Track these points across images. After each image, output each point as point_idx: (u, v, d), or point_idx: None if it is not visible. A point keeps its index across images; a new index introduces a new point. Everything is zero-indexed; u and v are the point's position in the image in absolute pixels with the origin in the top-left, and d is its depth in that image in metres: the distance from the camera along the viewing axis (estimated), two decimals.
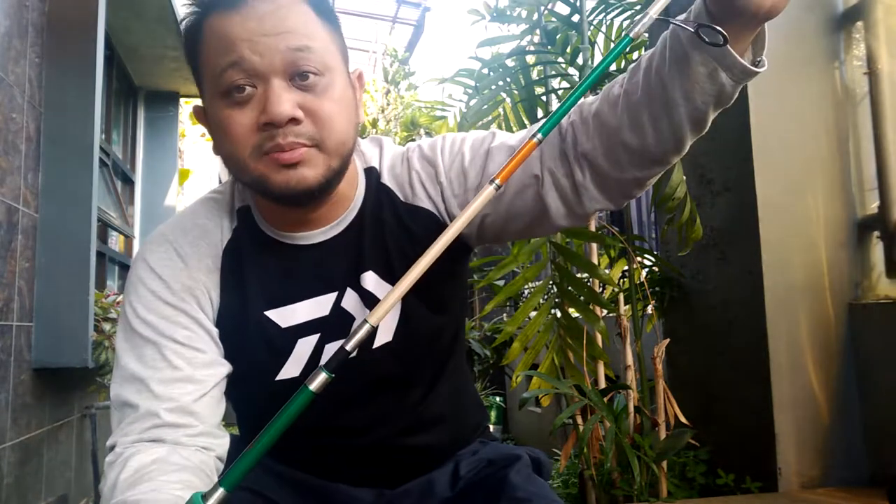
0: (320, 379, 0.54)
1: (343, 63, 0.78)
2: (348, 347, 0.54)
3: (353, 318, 0.82)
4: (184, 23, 0.77)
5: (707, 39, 0.61)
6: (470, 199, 0.80)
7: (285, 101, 0.70)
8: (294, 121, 0.71)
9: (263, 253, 0.82)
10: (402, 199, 0.84)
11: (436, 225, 0.83)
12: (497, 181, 0.57)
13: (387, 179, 0.85)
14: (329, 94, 0.73)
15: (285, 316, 0.81)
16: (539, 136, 0.58)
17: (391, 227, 0.83)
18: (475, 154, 0.82)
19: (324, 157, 0.74)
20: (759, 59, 0.67)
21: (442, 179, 0.82)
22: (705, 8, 0.63)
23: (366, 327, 0.54)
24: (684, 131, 0.70)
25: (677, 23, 0.63)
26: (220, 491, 0.52)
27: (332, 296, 0.82)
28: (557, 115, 0.62)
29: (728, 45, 0.62)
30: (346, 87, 0.77)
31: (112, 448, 0.73)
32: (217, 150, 0.77)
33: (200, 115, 0.80)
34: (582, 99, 0.75)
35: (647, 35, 2.80)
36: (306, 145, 0.72)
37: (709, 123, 0.71)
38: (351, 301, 0.82)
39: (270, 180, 0.73)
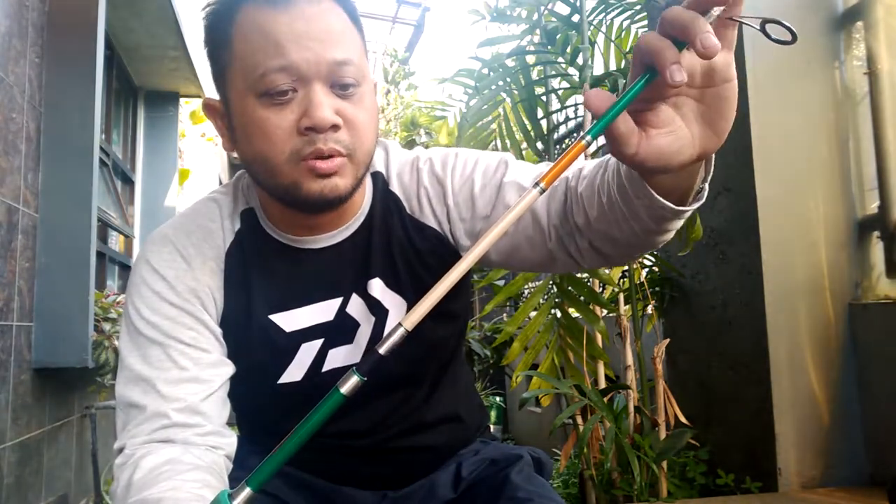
0: (352, 382, 0.53)
1: (369, 71, 0.77)
2: (382, 351, 0.53)
3: (357, 325, 0.82)
4: (208, 10, 0.74)
5: (773, 37, 0.56)
6: (477, 226, 0.79)
7: (327, 106, 0.70)
8: (334, 127, 0.70)
9: (268, 256, 0.81)
10: (409, 211, 0.83)
11: (442, 245, 0.82)
12: (542, 185, 0.55)
13: (395, 187, 0.84)
14: (364, 103, 0.74)
15: (289, 320, 0.81)
16: (588, 138, 0.57)
17: (399, 238, 0.82)
18: (486, 182, 0.80)
19: (353, 167, 0.73)
20: (702, 186, 0.61)
21: (449, 202, 0.81)
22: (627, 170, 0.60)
23: (400, 331, 0.54)
24: (648, 240, 0.67)
25: (741, 20, 0.60)
26: (247, 490, 0.52)
27: (338, 301, 0.82)
28: (609, 116, 0.57)
29: (651, 192, 0.58)
30: (373, 97, 0.77)
31: (121, 450, 0.72)
32: (240, 147, 0.75)
33: (214, 109, 0.78)
34: (572, 168, 0.72)
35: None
36: (342, 154, 0.71)
37: (674, 229, 0.66)
38: (356, 307, 0.82)
39: (304, 188, 0.72)
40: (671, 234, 0.68)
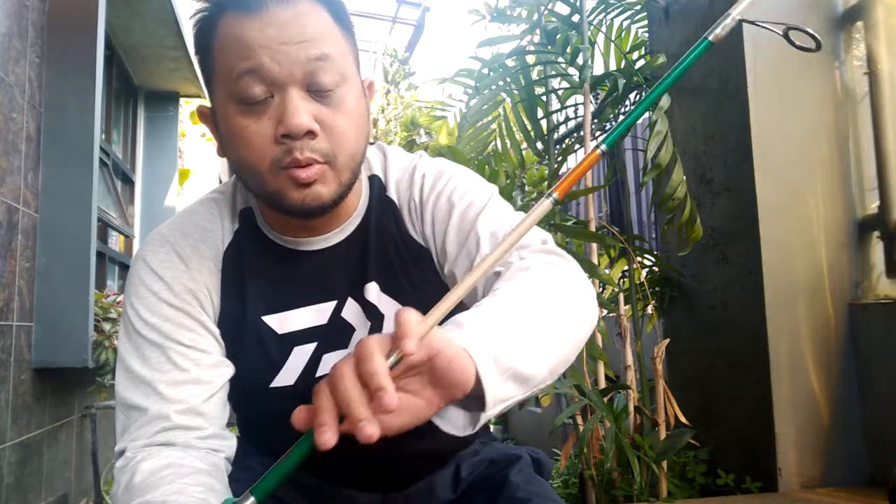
0: None
1: (357, 72, 0.77)
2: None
3: (352, 329, 0.81)
4: (195, 18, 0.75)
5: (797, 44, 0.57)
6: (444, 261, 0.80)
7: (303, 112, 0.69)
8: (310, 133, 0.70)
9: (264, 257, 0.81)
10: (405, 222, 0.83)
11: (430, 261, 0.82)
12: (555, 195, 0.54)
13: (392, 194, 0.84)
14: (344, 106, 0.72)
15: (283, 322, 0.80)
16: (603, 147, 0.56)
17: (397, 244, 0.82)
18: (462, 221, 0.79)
19: (335, 173, 0.73)
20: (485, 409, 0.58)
21: (427, 230, 0.82)
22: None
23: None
24: None
25: (764, 25, 0.59)
26: (251, 500, 0.52)
27: (332, 304, 0.81)
28: (622, 127, 0.59)
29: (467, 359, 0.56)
30: (360, 97, 0.76)
31: (122, 453, 0.72)
32: (227, 154, 0.76)
33: (206, 116, 0.78)
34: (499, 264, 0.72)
35: (647, 36, 2.77)
36: (320, 162, 0.71)
37: None
38: (351, 311, 0.81)
39: (287, 197, 0.72)
40: None
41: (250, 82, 0.69)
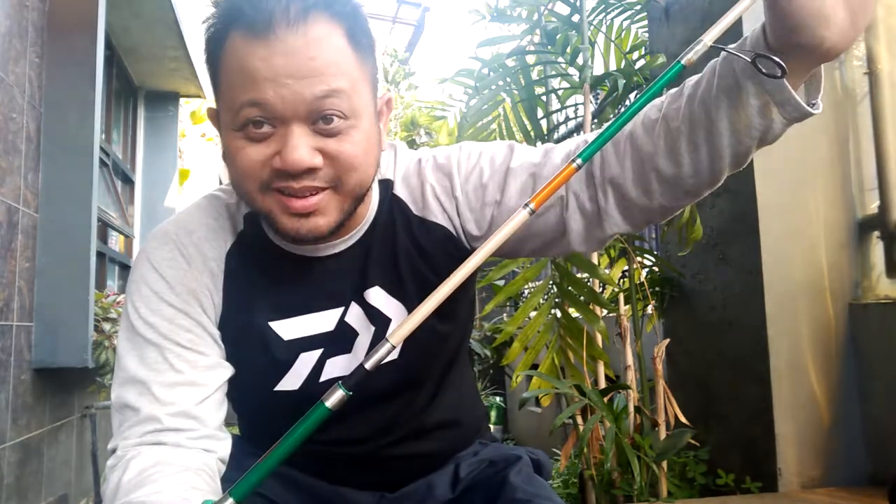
0: (337, 396, 0.54)
1: (372, 95, 0.74)
2: (368, 366, 0.53)
3: (356, 334, 0.81)
4: (205, 26, 0.73)
5: (764, 70, 0.58)
6: (488, 214, 0.78)
7: (304, 148, 0.67)
8: (311, 171, 0.68)
9: (270, 262, 0.80)
10: (414, 212, 0.81)
11: (449, 241, 0.80)
12: (532, 205, 0.54)
13: (399, 190, 0.83)
14: (352, 136, 0.69)
15: (289, 328, 0.80)
16: (579, 161, 0.56)
17: (402, 242, 0.81)
18: (494, 170, 0.78)
19: (338, 199, 0.71)
20: (813, 101, 0.63)
21: (457, 193, 0.79)
22: (763, 37, 0.60)
23: (386, 346, 0.54)
24: (724, 164, 0.66)
25: (733, 52, 0.60)
26: (230, 501, 0.52)
27: (339, 311, 0.81)
28: (599, 140, 0.59)
29: (785, 79, 0.59)
30: (372, 125, 0.73)
31: (113, 451, 0.72)
32: (225, 166, 0.75)
33: (214, 118, 0.77)
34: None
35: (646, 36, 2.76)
36: (321, 189, 0.69)
37: (749, 159, 0.67)
38: (355, 316, 0.81)
39: (280, 222, 0.70)
40: (741, 166, 0.68)
41: (251, 112, 0.67)
